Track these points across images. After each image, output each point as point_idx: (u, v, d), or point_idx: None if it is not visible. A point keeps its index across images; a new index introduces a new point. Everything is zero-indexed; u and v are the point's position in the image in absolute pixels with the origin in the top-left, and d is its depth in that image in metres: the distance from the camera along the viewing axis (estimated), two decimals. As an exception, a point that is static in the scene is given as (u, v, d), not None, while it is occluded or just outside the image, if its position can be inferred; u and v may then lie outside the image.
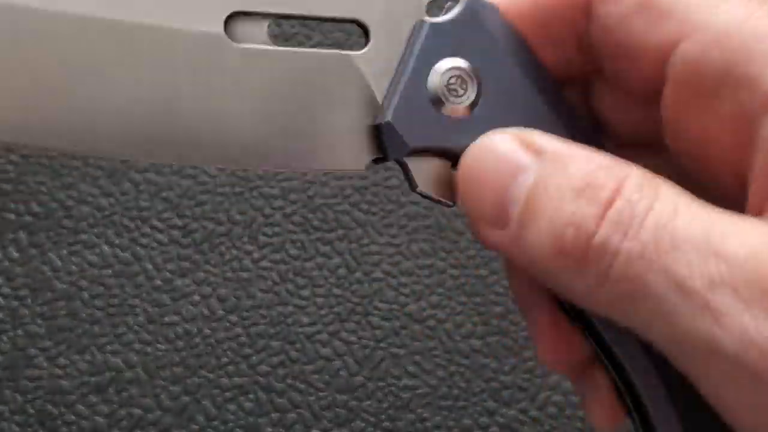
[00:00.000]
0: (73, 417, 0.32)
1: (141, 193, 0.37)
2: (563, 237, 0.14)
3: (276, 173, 0.38)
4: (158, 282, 0.35)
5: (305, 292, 0.35)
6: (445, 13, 0.18)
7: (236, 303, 0.35)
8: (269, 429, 0.32)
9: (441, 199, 0.18)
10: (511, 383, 0.34)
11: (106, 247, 0.36)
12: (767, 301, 0.13)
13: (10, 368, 0.33)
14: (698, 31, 0.17)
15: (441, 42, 0.17)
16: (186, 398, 0.33)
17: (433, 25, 0.17)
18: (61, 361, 0.33)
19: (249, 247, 0.36)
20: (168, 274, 0.35)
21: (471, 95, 0.17)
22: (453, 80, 0.17)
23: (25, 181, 0.37)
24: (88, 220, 0.36)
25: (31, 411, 0.32)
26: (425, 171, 0.17)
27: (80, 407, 0.33)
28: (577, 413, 0.34)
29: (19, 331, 0.34)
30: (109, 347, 0.34)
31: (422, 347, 0.34)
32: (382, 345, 0.34)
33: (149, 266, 0.35)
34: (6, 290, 0.35)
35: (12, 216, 0.36)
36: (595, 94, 0.21)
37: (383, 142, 0.17)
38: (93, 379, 0.33)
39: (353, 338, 0.34)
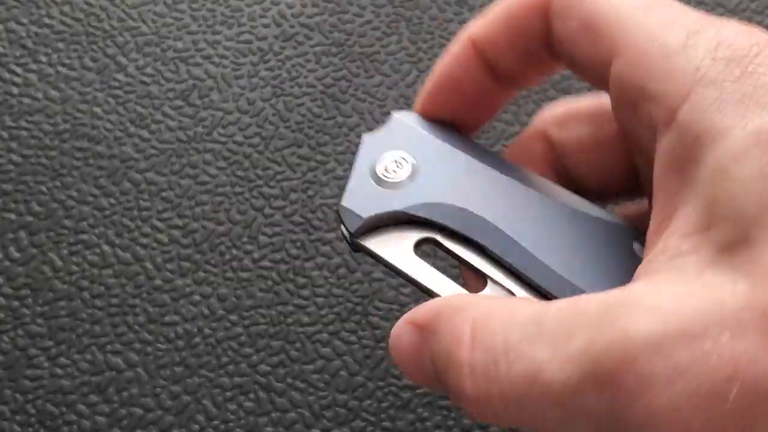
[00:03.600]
0: (73, 416, 0.32)
1: (141, 193, 0.37)
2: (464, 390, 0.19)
3: (276, 173, 0.38)
4: (158, 282, 0.35)
5: (305, 292, 0.35)
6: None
7: (236, 303, 0.35)
8: (269, 428, 0.32)
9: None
10: (510, 383, 0.34)
11: (106, 247, 0.36)
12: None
13: (10, 368, 0.33)
14: (625, 48, 0.19)
15: (378, 144, 0.23)
16: (186, 398, 0.33)
17: (369, 136, 0.24)
18: (62, 360, 0.33)
19: (249, 247, 0.36)
20: (168, 274, 0.35)
21: (407, 170, 0.23)
22: (390, 164, 0.23)
23: (25, 181, 0.37)
24: (88, 220, 0.36)
25: (32, 411, 0.32)
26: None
27: (81, 407, 0.33)
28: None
29: (20, 331, 0.34)
30: (109, 347, 0.34)
31: (422, 347, 0.34)
32: (382, 345, 0.34)
33: (149, 266, 0.35)
34: (6, 290, 0.35)
35: (12, 216, 0.36)
36: None
37: (343, 222, 0.22)
38: (94, 378, 0.33)
39: (353, 338, 0.34)
